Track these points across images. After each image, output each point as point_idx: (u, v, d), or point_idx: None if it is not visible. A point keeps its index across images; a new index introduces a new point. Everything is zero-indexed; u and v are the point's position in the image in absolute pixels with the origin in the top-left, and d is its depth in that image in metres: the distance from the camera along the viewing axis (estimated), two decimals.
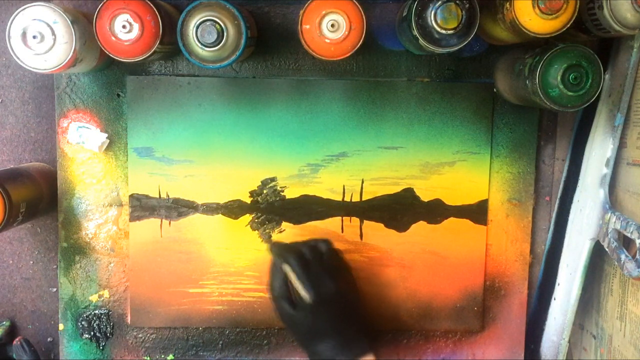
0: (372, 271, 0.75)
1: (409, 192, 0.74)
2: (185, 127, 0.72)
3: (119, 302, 0.75)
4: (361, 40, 0.61)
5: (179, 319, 0.75)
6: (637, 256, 0.61)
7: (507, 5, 0.58)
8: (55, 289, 0.76)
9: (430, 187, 0.74)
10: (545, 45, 0.62)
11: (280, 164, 0.73)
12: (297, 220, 0.74)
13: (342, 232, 0.75)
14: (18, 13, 0.59)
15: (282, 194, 0.74)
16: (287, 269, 0.65)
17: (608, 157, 0.68)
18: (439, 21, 0.58)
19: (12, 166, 0.74)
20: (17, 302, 0.77)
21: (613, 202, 0.68)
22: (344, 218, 0.75)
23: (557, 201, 0.76)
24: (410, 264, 0.75)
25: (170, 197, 0.73)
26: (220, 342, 0.76)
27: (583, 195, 0.72)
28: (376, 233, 0.75)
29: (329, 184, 0.74)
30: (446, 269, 0.75)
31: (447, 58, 0.73)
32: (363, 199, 0.74)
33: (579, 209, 0.72)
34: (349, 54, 0.62)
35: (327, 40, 0.61)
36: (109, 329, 0.75)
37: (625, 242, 0.65)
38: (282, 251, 0.66)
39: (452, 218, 0.75)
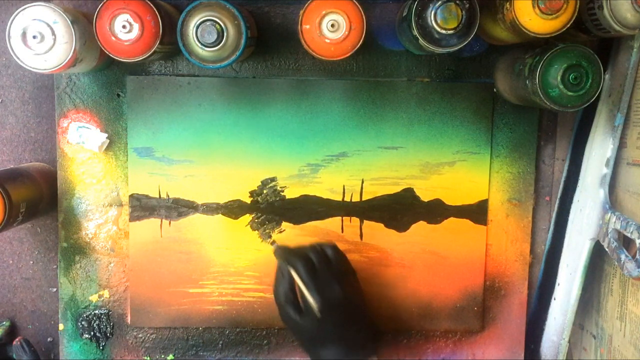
0: (372, 271, 0.75)
1: (409, 192, 0.74)
2: (185, 127, 0.72)
3: (119, 302, 0.75)
4: (361, 40, 0.61)
5: (179, 319, 0.75)
6: (637, 256, 0.61)
7: (507, 5, 0.58)
8: (55, 289, 0.76)
9: (430, 187, 0.74)
10: (545, 45, 0.62)
11: (280, 164, 0.73)
12: (297, 220, 0.74)
13: (342, 232, 0.75)
14: (18, 13, 0.59)
15: (282, 194, 0.74)
16: (294, 273, 0.64)
17: (608, 157, 0.68)
18: (439, 21, 0.58)
19: (12, 166, 0.74)
20: (17, 302, 0.77)
21: (613, 202, 0.68)
22: (344, 218, 0.75)
23: (557, 201, 0.76)
24: (410, 264, 0.75)
25: (170, 197, 0.73)
26: (220, 342, 0.76)
27: (583, 195, 0.72)
28: (376, 233, 0.75)
29: (329, 184, 0.74)
30: (446, 269, 0.75)
31: (447, 58, 0.73)
32: (363, 199, 0.74)
33: (579, 209, 0.72)
34: (349, 54, 0.62)
35: (327, 40, 0.61)
36: (109, 329, 0.75)
37: (625, 242, 0.65)
38: (288, 255, 0.66)
39: (452, 218, 0.75)
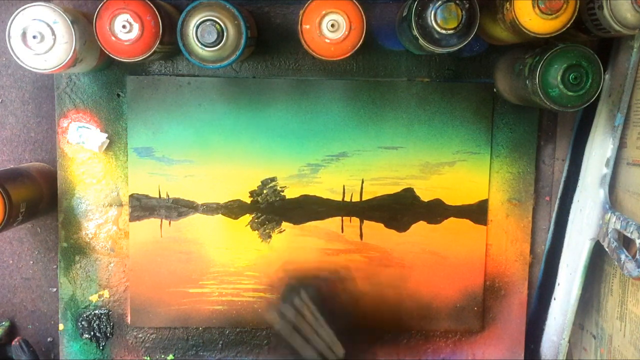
0: (372, 271, 0.75)
1: (409, 192, 0.74)
2: (185, 127, 0.72)
3: (119, 302, 0.75)
4: (361, 40, 0.61)
5: (179, 319, 0.75)
6: (637, 256, 0.61)
7: (507, 5, 0.58)
8: (55, 289, 0.76)
9: (430, 187, 0.74)
10: (545, 45, 0.62)
11: (280, 164, 0.73)
12: (297, 220, 0.74)
13: (342, 232, 0.75)
14: (18, 13, 0.59)
15: (282, 194, 0.74)
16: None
17: (608, 157, 0.68)
18: (439, 21, 0.58)
19: (12, 166, 0.74)
20: (17, 302, 0.77)
21: (613, 202, 0.68)
22: (344, 218, 0.75)
23: (557, 201, 0.76)
24: (410, 264, 0.75)
25: (170, 197, 0.73)
26: (220, 342, 0.76)
27: (583, 195, 0.72)
28: (376, 233, 0.75)
29: (329, 184, 0.74)
30: (446, 269, 0.75)
31: (447, 58, 0.73)
32: (363, 199, 0.74)
33: (579, 209, 0.72)
34: (349, 54, 0.62)
35: (327, 40, 0.61)
36: (109, 329, 0.75)
37: (625, 242, 0.65)
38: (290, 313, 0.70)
39: (452, 218, 0.75)
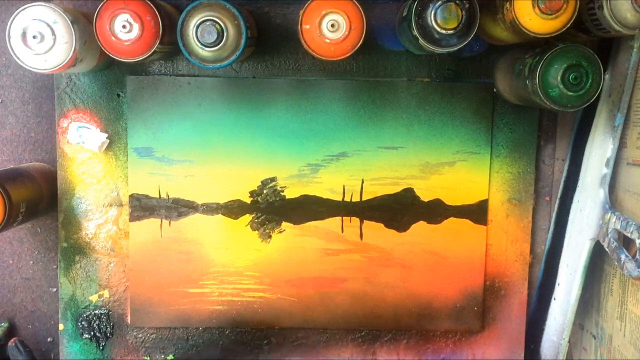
0: (372, 271, 0.75)
1: (409, 192, 0.74)
2: (185, 127, 0.72)
3: (119, 302, 0.75)
4: (361, 40, 0.61)
5: (179, 319, 0.75)
6: (637, 256, 0.61)
7: (507, 5, 0.58)
8: (55, 289, 0.76)
9: (430, 187, 0.74)
10: (545, 45, 0.62)
11: (280, 164, 0.73)
12: (297, 220, 0.74)
13: (342, 232, 0.75)
14: (18, 13, 0.59)
15: (282, 194, 0.74)
16: None
17: (608, 157, 0.68)
18: (439, 21, 0.58)
19: (12, 166, 0.74)
20: (17, 302, 0.77)
21: (613, 202, 0.68)
22: (344, 218, 0.75)
23: (557, 201, 0.76)
24: (410, 264, 0.75)
25: (170, 197, 0.73)
26: (220, 342, 0.76)
27: (583, 195, 0.72)
28: (376, 233, 0.75)
29: (329, 184, 0.74)
30: (446, 269, 0.75)
31: (447, 58, 0.73)
32: (363, 199, 0.74)
33: (579, 209, 0.72)
34: (349, 54, 0.62)
35: (327, 40, 0.61)
36: (109, 329, 0.75)
37: (625, 242, 0.65)
38: None
39: (452, 218, 0.75)
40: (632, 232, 0.62)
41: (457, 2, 0.58)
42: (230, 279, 0.75)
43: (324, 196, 0.74)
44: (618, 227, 0.65)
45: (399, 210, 0.74)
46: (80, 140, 0.72)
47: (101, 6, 0.59)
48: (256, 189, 0.74)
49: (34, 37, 0.59)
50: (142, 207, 0.73)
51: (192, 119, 0.72)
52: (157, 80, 0.72)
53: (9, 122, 0.75)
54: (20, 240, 0.76)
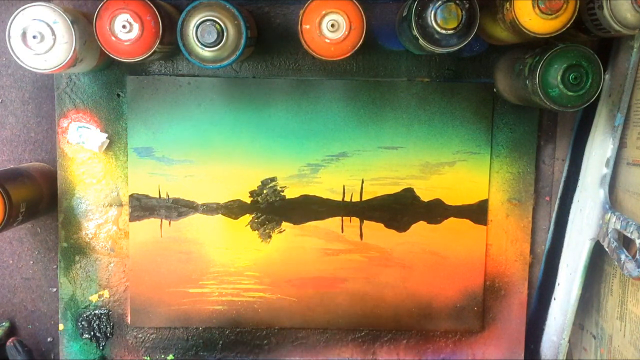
0: (372, 271, 0.75)
1: (409, 192, 0.74)
2: (185, 127, 0.72)
3: (119, 302, 0.75)
4: (361, 40, 0.61)
5: (179, 319, 0.75)
6: (637, 256, 0.61)
7: (507, 5, 0.58)
8: (55, 289, 0.76)
9: (430, 187, 0.74)
10: (545, 45, 0.62)
11: (280, 164, 0.73)
12: (297, 220, 0.74)
13: (342, 232, 0.75)
14: (18, 13, 0.59)
15: (282, 194, 0.74)
16: None
17: (608, 157, 0.68)
18: (439, 21, 0.58)
19: (12, 166, 0.74)
20: (17, 302, 0.77)
21: (613, 202, 0.68)
22: (344, 218, 0.75)
23: (557, 201, 0.76)
24: (410, 264, 0.75)
25: (170, 197, 0.73)
26: (220, 342, 0.76)
27: (583, 195, 0.72)
28: (376, 233, 0.75)
29: (329, 184, 0.74)
30: (446, 269, 0.75)
31: (447, 58, 0.73)
32: (363, 199, 0.74)
33: (579, 209, 0.72)
34: (349, 54, 0.62)
35: (327, 40, 0.61)
36: (109, 329, 0.75)
37: (625, 242, 0.65)
38: None
39: (452, 218, 0.75)
40: (632, 232, 0.62)
41: (457, 2, 0.58)
42: (230, 279, 0.75)
43: (324, 196, 0.74)
44: (618, 227, 0.65)
45: (399, 210, 0.74)
46: (80, 140, 0.72)
47: (101, 6, 0.59)
48: (256, 189, 0.74)
49: (34, 37, 0.59)
50: (142, 207, 0.73)
51: (192, 119, 0.72)
52: (157, 80, 0.72)
53: (9, 122, 0.75)
54: (20, 240, 0.76)
